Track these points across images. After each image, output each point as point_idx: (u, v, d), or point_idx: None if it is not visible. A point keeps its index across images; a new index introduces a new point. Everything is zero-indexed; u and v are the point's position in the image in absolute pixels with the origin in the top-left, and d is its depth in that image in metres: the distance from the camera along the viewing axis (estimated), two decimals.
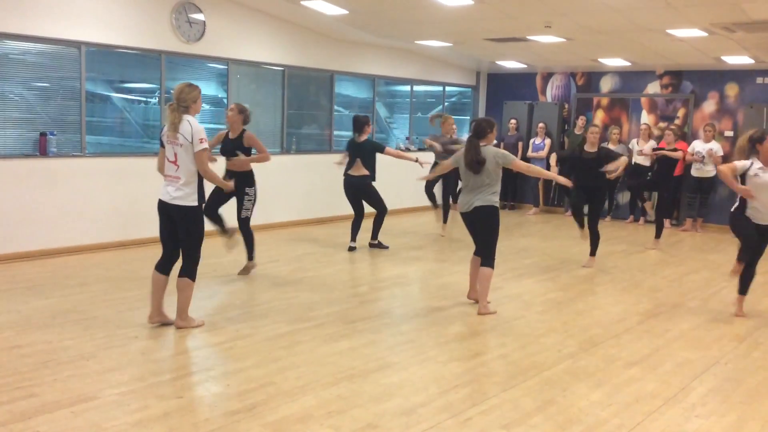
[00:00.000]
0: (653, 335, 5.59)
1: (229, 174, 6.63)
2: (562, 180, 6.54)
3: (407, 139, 12.80)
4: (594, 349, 5.17)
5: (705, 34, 8.96)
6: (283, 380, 4.27)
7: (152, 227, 8.50)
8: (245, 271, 7.06)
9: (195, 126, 5.02)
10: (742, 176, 5.93)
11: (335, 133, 11.30)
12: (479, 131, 5.93)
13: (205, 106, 10.09)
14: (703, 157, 11.16)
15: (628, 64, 12.00)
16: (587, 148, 8.03)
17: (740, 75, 11.54)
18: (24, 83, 7.66)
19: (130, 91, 9.65)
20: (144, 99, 9.62)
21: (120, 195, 8.23)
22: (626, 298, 6.79)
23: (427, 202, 10.40)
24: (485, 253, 6.04)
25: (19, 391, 3.96)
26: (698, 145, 11.32)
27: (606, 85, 12.91)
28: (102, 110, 9.16)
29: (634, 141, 12.02)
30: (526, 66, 13.22)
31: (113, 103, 9.52)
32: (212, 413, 3.79)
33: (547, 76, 13.54)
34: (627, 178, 12.05)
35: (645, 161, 11.82)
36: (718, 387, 4.50)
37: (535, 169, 6.69)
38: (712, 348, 5.32)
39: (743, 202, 6.00)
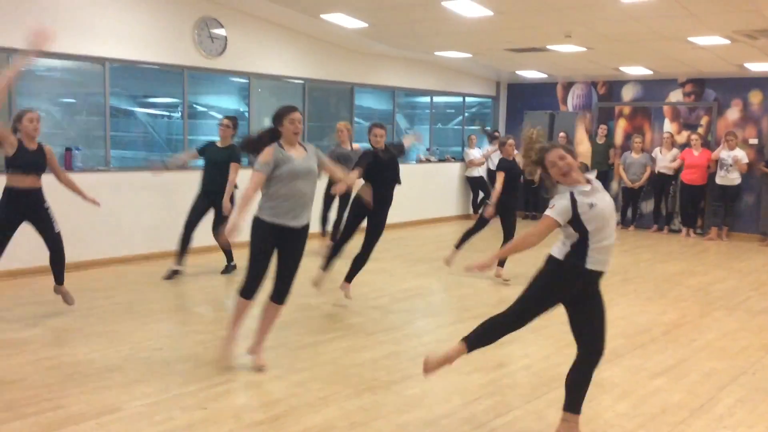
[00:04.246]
0: (679, 345, 5.52)
1: None
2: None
3: (428, 150, 12.81)
4: (619, 359, 5.12)
5: (727, 41, 8.88)
6: (306, 392, 4.28)
7: (176, 239, 8.64)
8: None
9: None
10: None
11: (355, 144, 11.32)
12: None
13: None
14: (729, 165, 11.05)
15: (649, 72, 11.92)
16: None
17: (764, 82, 11.40)
18: (50, 99, 7.80)
19: (153, 105, 9.79)
20: (167, 113, 9.75)
21: (145, 208, 8.31)
22: (651, 307, 6.72)
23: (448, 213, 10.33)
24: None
25: (46, 402, 4.01)
26: (724, 153, 11.21)
27: (628, 93, 12.83)
28: (126, 125, 9.31)
29: (657, 150, 11.93)
30: (546, 76, 13.19)
31: (137, 118, 9.67)
32: (236, 424, 3.81)
33: (568, 86, 13.48)
34: (651, 186, 12.00)
35: (668, 170, 11.72)
36: (746, 397, 4.43)
37: None
38: (739, 358, 5.25)
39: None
